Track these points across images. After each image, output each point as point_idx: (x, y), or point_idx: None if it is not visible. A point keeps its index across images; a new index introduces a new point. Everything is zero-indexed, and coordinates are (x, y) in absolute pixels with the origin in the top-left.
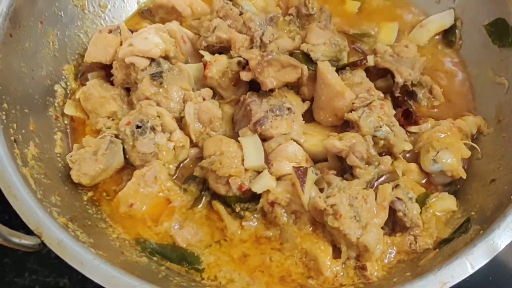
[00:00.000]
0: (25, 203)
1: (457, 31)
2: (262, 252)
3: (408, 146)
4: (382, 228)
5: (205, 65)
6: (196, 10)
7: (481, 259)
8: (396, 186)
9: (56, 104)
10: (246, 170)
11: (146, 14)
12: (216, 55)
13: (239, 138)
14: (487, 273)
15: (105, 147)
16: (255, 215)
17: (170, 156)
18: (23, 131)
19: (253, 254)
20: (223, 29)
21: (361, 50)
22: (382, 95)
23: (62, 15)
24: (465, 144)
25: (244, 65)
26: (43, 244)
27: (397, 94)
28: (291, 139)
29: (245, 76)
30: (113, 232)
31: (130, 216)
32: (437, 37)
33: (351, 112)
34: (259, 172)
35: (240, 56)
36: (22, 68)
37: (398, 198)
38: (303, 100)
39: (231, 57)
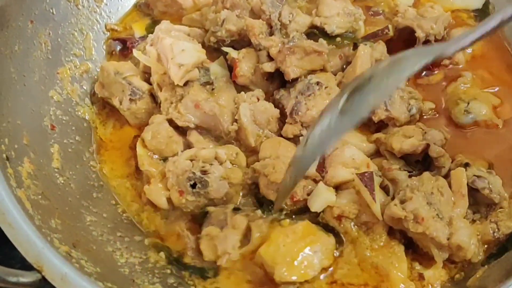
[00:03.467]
0: (22, 232)
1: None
2: None
3: (432, 104)
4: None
5: (232, 64)
6: (199, 2)
7: None
8: (466, 164)
9: (51, 113)
10: None
11: (143, 8)
12: (243, 50)
13: (301, 137)
14: None
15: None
16: None
17: (239, 173)
18: (16, 146)
19: None
20: (232, 21)
21: (379, 13)
22: None
23: (54, 13)
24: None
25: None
26: (44, 279)
27: None
28: None
29: (268, 67)
30: (121, 257)
31: None
32: None
33: (372, 111)
34: (315, 181)
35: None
36: (12, 74)
37: (477, 176)
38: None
39: (255, 49)
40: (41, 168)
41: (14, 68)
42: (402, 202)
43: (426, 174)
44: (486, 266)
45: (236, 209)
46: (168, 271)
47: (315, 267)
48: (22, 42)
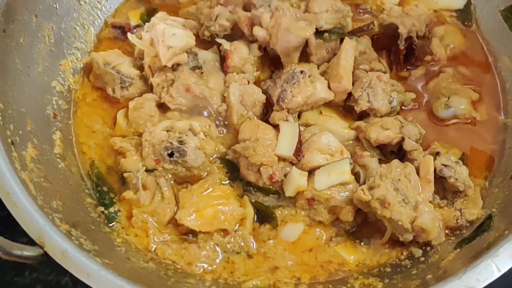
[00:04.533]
0: (26, 211)
1: (472, 15)
2: None
3: (413, 94)
4: (433, 199)
5: (225, 55)
6: None
7: (507, 261)
8: (437, 153)
9: (53, 102)
10: (279, 160)
11: (142, 1)
12: (235, 42)
13: (279, 122)
14: None
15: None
16: None
17: (212, 144)
18: (21, 132)
19: None
20: (225, 16)
21: (367, 11)
22: (383, 68)
23: (58, 8)
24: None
25: (264, 47)
26: (46, 254)
27: (401, 46)
28: (321, 98)
29: (260, 35)
30: (118, 237)
31: None
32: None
33: (355, 101)
34: (292, 163)
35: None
36: (17, 65)
37: (445, 165)
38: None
39: (249, 42)
40: (44, 153)
41: (19, 60)
42: (371, 188)
43: (395, 161)
44: (459, 249)
45: (149, 171)
46: None
47: (213, 225)
48: (27, 35)
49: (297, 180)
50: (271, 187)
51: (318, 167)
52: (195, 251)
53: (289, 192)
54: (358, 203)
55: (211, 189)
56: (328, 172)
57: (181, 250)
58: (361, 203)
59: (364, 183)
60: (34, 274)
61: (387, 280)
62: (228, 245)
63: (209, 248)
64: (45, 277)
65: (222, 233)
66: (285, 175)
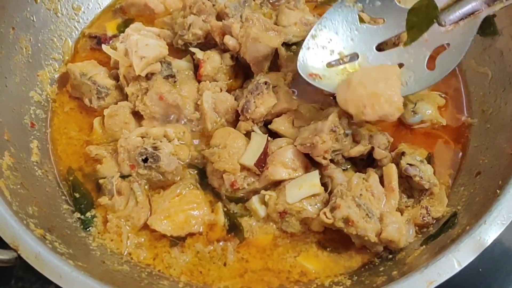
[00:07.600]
0: (0, 216)
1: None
2: None
3: None
4: (400, 198)
5: (198, 64)
6: (169, 6)
7: (468, 255)
8: (403, 153)
9: (31, 112)
10: (242, 169)
11: (118, 13)
12: (208, 51)
13: (252, 132)
14: (477, 265)
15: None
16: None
17: (186, 150)
18: None
19: None
20: (198, 25)
21: None
22: None
23: (35, 20)
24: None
25: (237, 56)
26: (19, 257)
27: None
28: (284, 108)
29: (230, 43)
30: (93, 241)
31: None
32: None
33: None
34: (256, 174)
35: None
36: None
37: (410, 164)
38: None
39: (221, 51)
40: (21, 161)
41: None
42: (333, 209)
43: (355, 176)
44: (424, 246)
45: (124, 177)
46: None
47: (184, 229)
48: (4, 47)
49: (258, 213)
50: (233, 194)
51: (281, 181)
52: (176, 254)
53: (262, 214)
54: (324, 224)
55: (183, 193)
56: (299, 185)
57: (162, 253)
58: (327, 224)
59: (331, 192)
60: (20, 283)
61: (356, 277)
62: (208, 254)
63: (190, 253)
64: (30, 286)
65: (206, 242)
66: (248, 185)
